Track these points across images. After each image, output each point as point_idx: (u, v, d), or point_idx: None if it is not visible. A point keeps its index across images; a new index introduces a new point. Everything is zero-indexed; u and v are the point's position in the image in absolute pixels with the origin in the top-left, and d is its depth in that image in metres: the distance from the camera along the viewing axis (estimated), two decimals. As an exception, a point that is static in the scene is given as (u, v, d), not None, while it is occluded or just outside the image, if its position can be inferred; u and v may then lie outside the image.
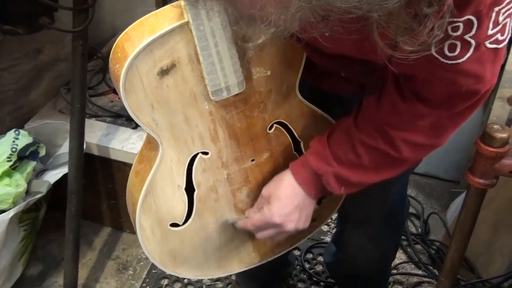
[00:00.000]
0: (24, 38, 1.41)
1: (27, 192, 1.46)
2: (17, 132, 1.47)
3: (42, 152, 1.51)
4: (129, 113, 0.83)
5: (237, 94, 0.87)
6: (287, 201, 0.91)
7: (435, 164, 2.02)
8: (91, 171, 1.61)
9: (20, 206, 1.40)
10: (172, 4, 0.82)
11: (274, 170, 0.98)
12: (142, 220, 0.94)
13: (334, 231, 1.78)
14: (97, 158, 1.62)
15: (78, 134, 1.39)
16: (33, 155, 1.50)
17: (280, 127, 0.96)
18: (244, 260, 1.09)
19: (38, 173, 1.54)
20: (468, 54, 0.70)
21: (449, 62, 0.71)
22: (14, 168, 1.44)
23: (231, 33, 0.81)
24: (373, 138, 0.84)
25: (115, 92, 1.74)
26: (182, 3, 0.78)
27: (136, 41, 0.79)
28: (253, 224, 0.94)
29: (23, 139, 1.46)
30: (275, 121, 0.95)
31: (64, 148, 1.57)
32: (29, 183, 1.46)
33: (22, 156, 1.47)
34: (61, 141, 1.62)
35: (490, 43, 0.70)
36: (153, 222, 0.95)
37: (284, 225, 0.91)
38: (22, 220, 1.46)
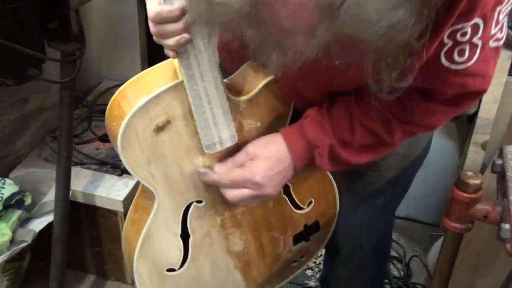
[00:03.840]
0: (11, 88, 1.44)
1: (12, 241, 1.46)
2: (2, 181, 1.48)
3: (28, 201, 1.52)
4: (127, 168, 0.86)
5: (229, 146, 0.90)
6: (274, 165, 0.88)
7: (415, 207, 2.06)
8: (76, 219, 1.61)
9: (4, 255, 1.39)
10: (165, 62, 0.85)
11: (265, 214, 1.02)
12: (140, 267, 0.97)
13: (318, 275, 1.80)
14: (82, 206, 1.63)
15: (64, 183, 1.40)
16: (19, 204, 1.50)
17: None
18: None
19: (23, 222, 1.54)
20: (476, 56, 0.73)
21: (460, 67, 0.74)
22: (-1, 217, 1.45)
23: (223, 90, 0.84)
24: (374, 122, 0.86)
25: (100, 139, 1.76)
26: (176, 63, 0.81)
27: (132, 100, 0.83)
28: (231, 178, 0.89)
29: (9, 188, 1.47)
30: None
31: (50, 196, 1.58)
32: (14, 232, 1.46)
33: (8, 205, 1.47)
34: (46, 189, 1.63)
35: (493, 41, 0.74)
36: (151, 268, 0.98)
37: (264, 187, 0.88)
38: (5, 269, 1.46)
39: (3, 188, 1.46)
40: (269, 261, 1.09)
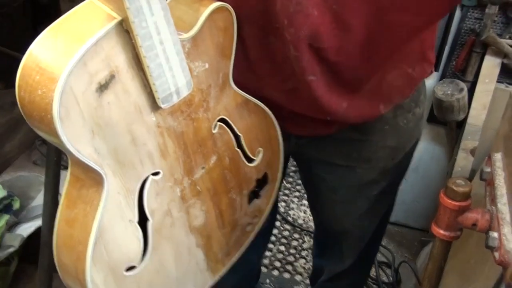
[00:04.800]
0: (0, 92, 1.44)
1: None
2: (-10, 186, 1.48)
3: (16, 206, 1.52)
4: (67, 147, 0.67)
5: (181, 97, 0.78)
6: None
7: (404, 212, 2.07)
8: (64, 223, 1.60)
9: (-8, 261, 1.38)
10: (86, 1, 0.69)
11: (222, 173, 0.91)
12: (95, 275, 0.77)
13: (307, 280, 1.80)
14: (71, 210, 1.62)
15: (53, 187, 1.39)
16: (7, 208, 1.50)
17: (223, 125, 0.89)
18: (199, 283, 0.99)
19: (11, 226, 1.53)
20: None
21: None
22: (-14, 222, 1.44)
23: (173, 23, 0.71)
24: None
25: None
26: None
27: (61, 54, 0.64)
28: None
29: (-3, 192, 1.47)
30: (218, 119, 0.87)
31: (38, 201, 1.58)
32: (1, 236, 1.45)
33: (-4, 210, 1.47)
34: (35, 193, 1.62)
35: None
36: (107, 273, 0.79)
37: None
38: (-8, 274, 1.45)
39: (-9, 192, 1.45)
40: (228, 230, 1.00)
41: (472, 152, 1.79)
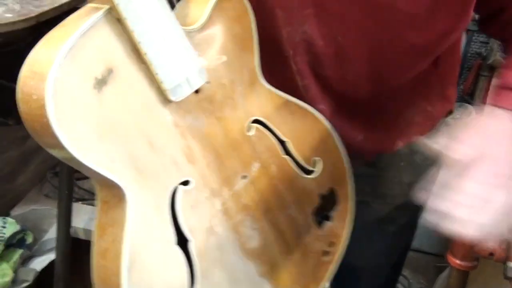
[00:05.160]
0: (12, 126, 1.45)
1: (14, 281, 1.45)
2: (4, 220, 1.48)
3: (29, 239, 1.52)
4: (72, 154, 0.61)
5: (199, 92, 0.71)
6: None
7: (419, 238, 2.04)
8: (77, 256, 1.60)
9: (6, 296, 1.38)
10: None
11: (271, 184, 0.80)
12: None
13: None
14: (84, 243, 1.62)
15: (65, 219, 1.40)
16: (20, 243, 1.50)
17: (260, 127, 0.79)
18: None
19: (25, 260, 1.53)
20: None
21: None
22: (0, 257, 1.44)
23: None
24: None
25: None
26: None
27: (50, 54, 0.60)
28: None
29: (11, 227, 1.47)
30: (251, 120, 0.78)
31: (51, 234, 1.58)
32: (15, 271, 1.45)
33: (9, 244, 1.47)
34: (48, 226, 1.63)
35: None
36: None
37: None
38: (7, 309, 1.44)
39: (4, 227, 1.46)
40: (297, 257, 0.85)
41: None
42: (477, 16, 0.87)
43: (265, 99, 0.80)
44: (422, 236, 2.01)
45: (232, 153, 0.76)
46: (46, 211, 1.63)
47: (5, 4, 1.08)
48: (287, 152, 0.83)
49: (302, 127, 0.84)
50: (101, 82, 0.62)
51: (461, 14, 0.77)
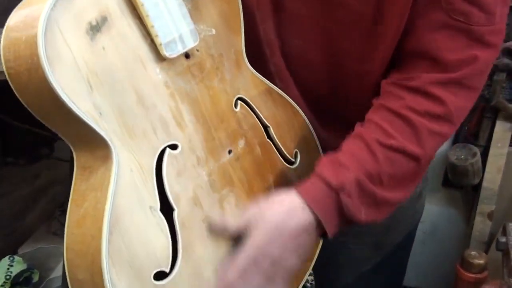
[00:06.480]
0: (23, 166, 1.49)
1: (19, 320, 1.46)
2: (11, 258, 1.50)
3: (36, 278, 1.53)
4: (62, 98, 0.59)
5: (189, 58, 0.71)
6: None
7: (425, 276, 2.05)
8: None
9: (10, 335, 1.39)
10: None
11: (256, 165, 0.79)
12: (114, 279, 0.61)
13: None
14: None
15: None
16: (27, 281, 1.51)
17: (244, 105, 0.80)
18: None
19: (30, 299, 1.54)
20: None
21: None
22: (6, 295, 1.45)
23: None
24: (393, 138, 0.73)
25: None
26: None
27: None
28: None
29: (17, 266, 1.49)
30: (237, 97, 0.79)
31: (57, 272, 1.59)
32: (21, 310, 1.46)
33: (15, 283, 1.48)
34: (54, 264, 1.64)
35: None
36: (130, 277, 0.63)
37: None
38: None
39: (11, 266, 1.48)
40: None
41: (490, 216, 1.78)
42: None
43: (250, 82, 0.81)
44: (427, 275, 2.01)
45: (219, 125, 0.76)
46: (53, 249, 1.65)
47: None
48: (270, 138, 0.83)
49: (283, 116, 0.84)
50: (94, 29, 0.62)
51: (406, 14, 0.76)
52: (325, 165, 0.72)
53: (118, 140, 0.63)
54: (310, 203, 0.69)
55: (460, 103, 0.75)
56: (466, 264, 0.94)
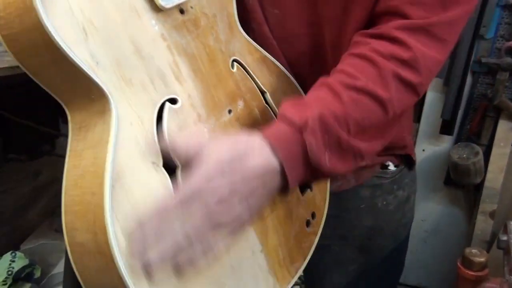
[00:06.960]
0: (25, 162, 1.49)
1: (21, 316, 1.46)
2: (13, 254, 1.51)
3: (37, 274, 1.54)
4: (58, 41, 0.57)
5: (184, 14, 0.70)
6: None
7: (426, 276, 2.04)
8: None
9: (12, 331, 1.40)
10: None
11: (255, 127, 0.76)
12: (119, 234, 0.58)
13: None
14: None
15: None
16: (28, 277, 1.52)
17: (241, 68, 0.78)
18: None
19: (32, 295, 1.55)
20: None
21: None
22: (8, 291, 1.46)
23: None
24: (359, 79, 0.69)
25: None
26: None
27: None
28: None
29: (19, 261, 1.50)
30: (233, 58, 0.77)
31: (59, 268, 1.59)
32: (23, 306, 1.47)
33: (17, 278, 1.49)
34: (56, 260, 1.64)
35: None
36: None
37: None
38: None
39: (13, 261, 1.48)
40: (281, 213, 0.79)
41: (491, 215, 1.78)
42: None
43: (244, 48, 0.79)
44: (429, 274, 2.01)
45: (218, 83, 0.74)
46: (55, 245, 1.65)
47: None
48: (267, 104, 0.81)
49: (279, 84, 0.81)
50: (89, -24, 0.59)
51: None
52: (287, 106, 0.68)
53: (116, 92, 0.61)
54: (273, 143, 0.62)
55: (427, 52, 0.71)
56: (466, 262, 0.94)
